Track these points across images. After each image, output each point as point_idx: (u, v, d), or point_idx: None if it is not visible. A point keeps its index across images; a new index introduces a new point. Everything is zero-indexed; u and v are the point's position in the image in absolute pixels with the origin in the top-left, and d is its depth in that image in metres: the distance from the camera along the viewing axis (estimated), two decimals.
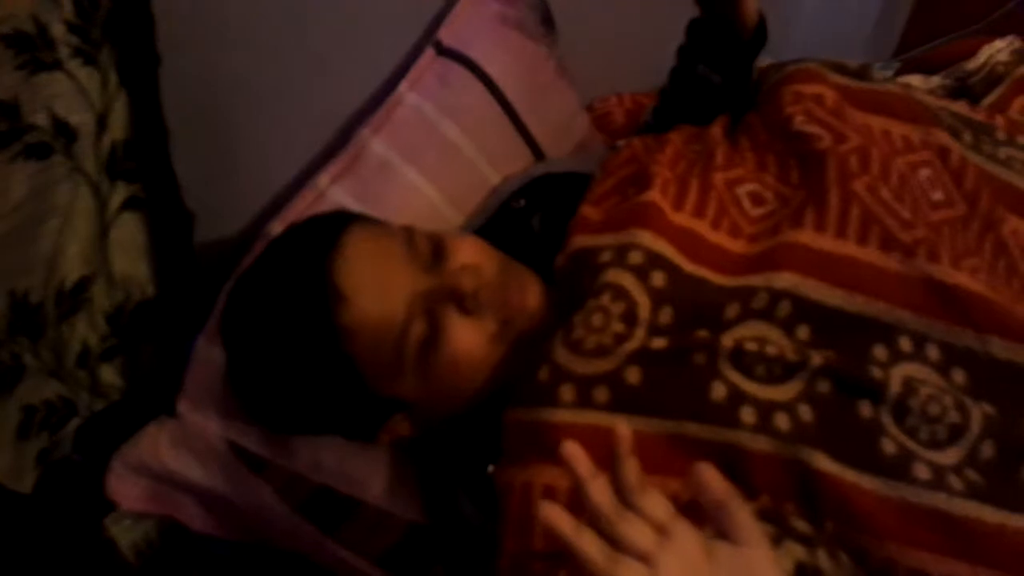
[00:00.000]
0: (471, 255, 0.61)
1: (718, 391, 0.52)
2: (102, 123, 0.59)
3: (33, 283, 0.61)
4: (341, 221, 0.61)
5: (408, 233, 0.61)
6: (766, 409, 0.51)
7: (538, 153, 0.86)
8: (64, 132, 0.57)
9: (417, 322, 0.58)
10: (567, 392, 0.54)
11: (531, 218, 0.73)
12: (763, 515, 0.47)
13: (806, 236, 0.56)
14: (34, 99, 0.55)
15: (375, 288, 0.57)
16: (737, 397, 0.51)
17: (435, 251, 0.60)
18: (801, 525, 0.47)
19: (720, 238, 0.59)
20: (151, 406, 0.71)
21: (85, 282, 0.65)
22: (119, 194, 0.64)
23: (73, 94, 0.57)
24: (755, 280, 0.55)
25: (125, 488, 0.69)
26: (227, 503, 0.68)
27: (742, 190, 0.62)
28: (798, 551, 0.46)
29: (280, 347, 0.59)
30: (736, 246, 0.58)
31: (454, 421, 0.63)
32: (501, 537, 0.54)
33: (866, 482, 0.49)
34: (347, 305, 0.56)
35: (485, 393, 0.60)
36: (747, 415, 0.51)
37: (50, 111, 0.56)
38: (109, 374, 0.71)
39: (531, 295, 0.62)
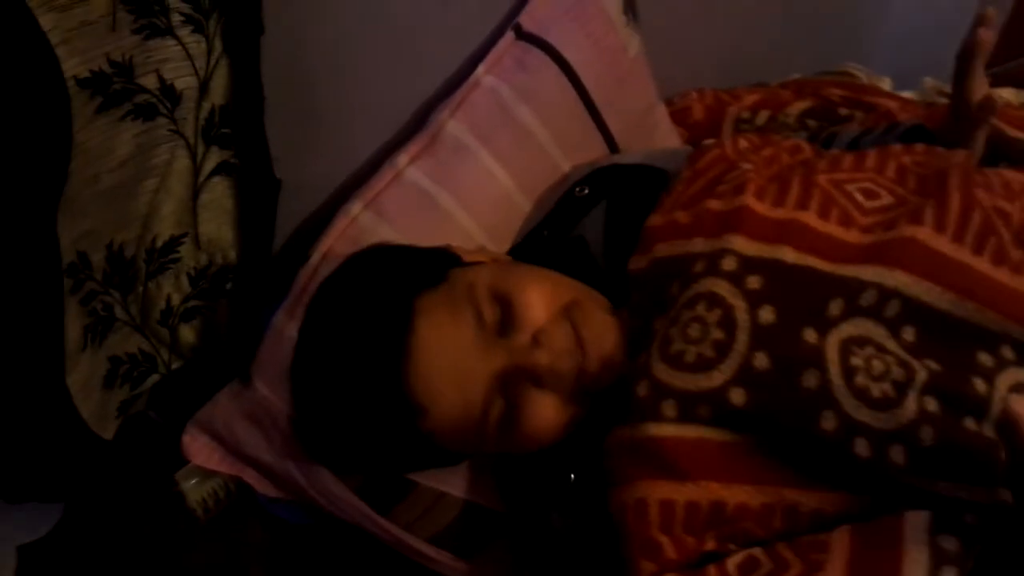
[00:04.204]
0: (542, 313, 0.58)
1: (828, 422, 0.50)
2: (204, 88, 0.62)
3: (128, 238, 0.64)
4: (406, 302, 0.58)
5: (475, 304, 0.58)
6: (881, 442, 0.49)
7: (611, 142, 0.86)
8: (169, 95, 0.60)
9: (495, 403, 0.58)
10: (669, 408, 0.53)
11: (594, 206, 0.72)
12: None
13: (924, 233, 0.54)
14: (146, 62, 0.57)
15: (452, 389, 0.57)
16: (850, 429, 0.50)
17: (504, 315, 0.58)
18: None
19: (830, 228, 0.57)
20: (225, 370, 0.73)
21: (174, 242, 0.67)
22: (212, 159, 0.66)
23: (181, 59, 0.59)
24: (866, 273, 0.53)
25: (198, 448, 0.72)
26: (289, 477, 0.70)
27: (853, 186, 0.60)
28: None
29: (358, 431, 0.60)
30: (849, 236, 0.56)
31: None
32: (631, 560, 0.54)
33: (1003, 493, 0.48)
34: (427, 415, 0.57)
35: (565, 436, 0.61)
36: (861, 448, 0.49)
37: (159, 74, 0.58)
38: (188, 334, 0.74)
39: (608, 340, 0.59)
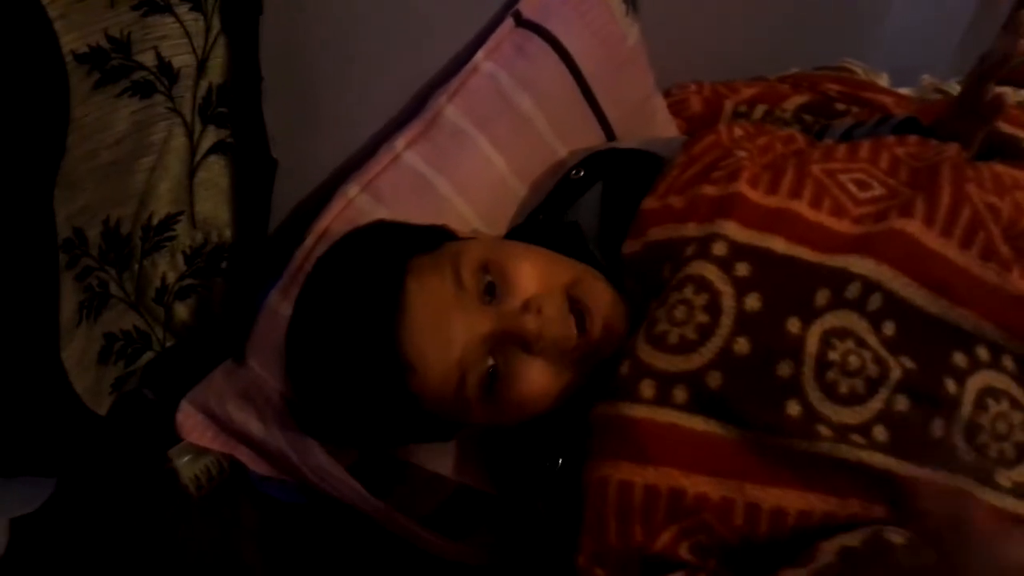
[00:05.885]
0: (535, 285, 0.59)
1: (793, 408, 0.51)
2: (202, 67, 0.62)
3: (125, 215, 0.64)
4: (400, 263, 0.59)
5: (457, 268, 0.58)
6: (840, 430, 0.51)
7: (608, 131, 0.87)
8: (167, 73, 0.60)
9: (478, 365, 0.57)
10: (647, 388, 0.54)
11: (589, 188, 0.73)
12: (852, 520, 0.48)
13: (914, 226, 0.55)
14: (144, 39, 0.57)
15: (436, 348, 0.57)
16: (812, 417, 0.51)
17: (496, 284, 0.59)
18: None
19: (821, 217, 0.57)
20: (219, 349, 0.74)
21: (171, 220, 0.68)
22: (209, 137, 0.66)
23: (179, 37, 0.59)
24: (853, 264, 0.54)
25: (191, 425, 0.72)
26: (282, 455, 0.70)
27: (846, 176, 0.60)
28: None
29: (350, 393, 0.60)
30: (840, 226, 0.57)
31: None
32: (580, 534, 0.54)
33: (961, 481, 0.49)
34: (415, 373, 0.57)
35: (557, 406, 0.61)
36: (824, 430, 0.51)
37: (157, 52, 0.58)
38: (182, 312, 0.74)
39: (614, 307, 0.60)
